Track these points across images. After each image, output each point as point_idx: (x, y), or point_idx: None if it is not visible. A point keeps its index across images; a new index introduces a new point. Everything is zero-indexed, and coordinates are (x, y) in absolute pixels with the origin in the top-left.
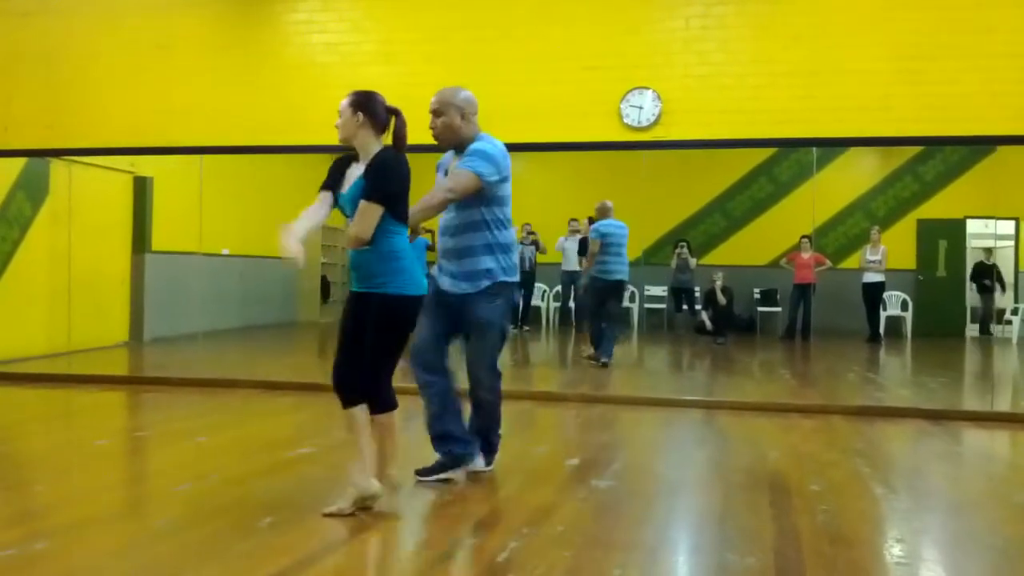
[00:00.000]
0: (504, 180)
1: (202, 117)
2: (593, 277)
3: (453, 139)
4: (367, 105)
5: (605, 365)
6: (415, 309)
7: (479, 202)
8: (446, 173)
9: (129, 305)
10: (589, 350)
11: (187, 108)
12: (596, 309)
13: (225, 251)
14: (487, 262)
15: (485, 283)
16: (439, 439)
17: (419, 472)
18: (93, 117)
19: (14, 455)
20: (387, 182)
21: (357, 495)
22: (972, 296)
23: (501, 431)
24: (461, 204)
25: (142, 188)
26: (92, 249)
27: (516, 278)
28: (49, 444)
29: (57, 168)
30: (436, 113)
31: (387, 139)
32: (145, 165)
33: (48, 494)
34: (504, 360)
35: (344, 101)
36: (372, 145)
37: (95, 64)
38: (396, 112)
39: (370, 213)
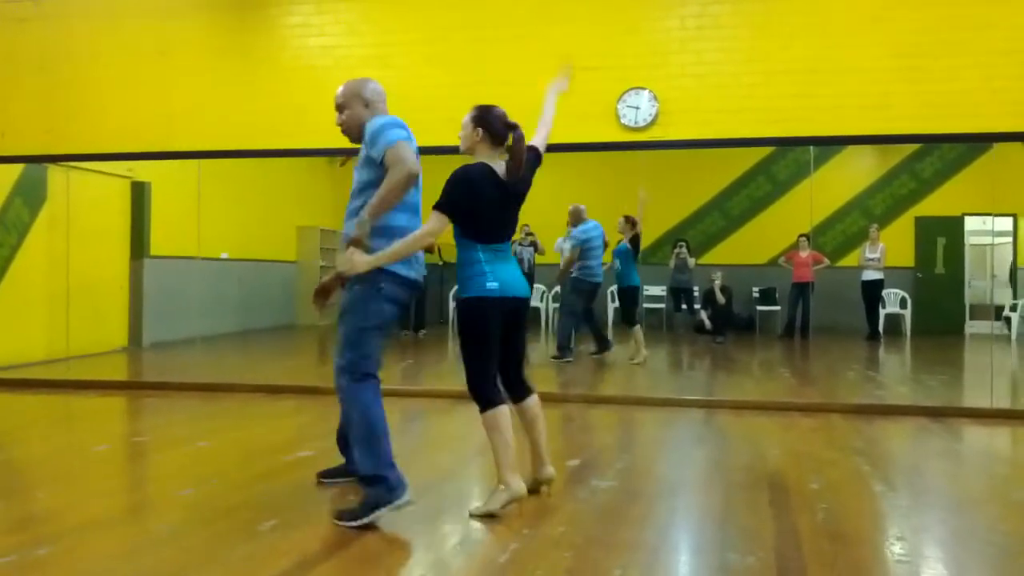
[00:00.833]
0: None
1: (200, 121)
2: (579, 279)
3: (359, 131)
4: (484, 119)
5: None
6: (478, 310)
7: (375, 184)
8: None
9: (128, 310)
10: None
11: (185, 113)
12: (586, 309)
13: (224, 255)
14: (379, 244)
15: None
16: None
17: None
18: (91, 122)
19: (14, 461)
20: (448, 194)
21: (508, 497)
22: (970, 293)
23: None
24: (361, 189)
25: (140, 193)
26: (90, 254)
27: (408, 273)
28: (49, 450)
29: (55, 173)
30: (340, 108)
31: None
32: (143, 170)
33: (49, 500)
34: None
35: (467, 115)
36: (484, 159)
37: (93, 69)
38: (514, 127)
39: (431, 219)
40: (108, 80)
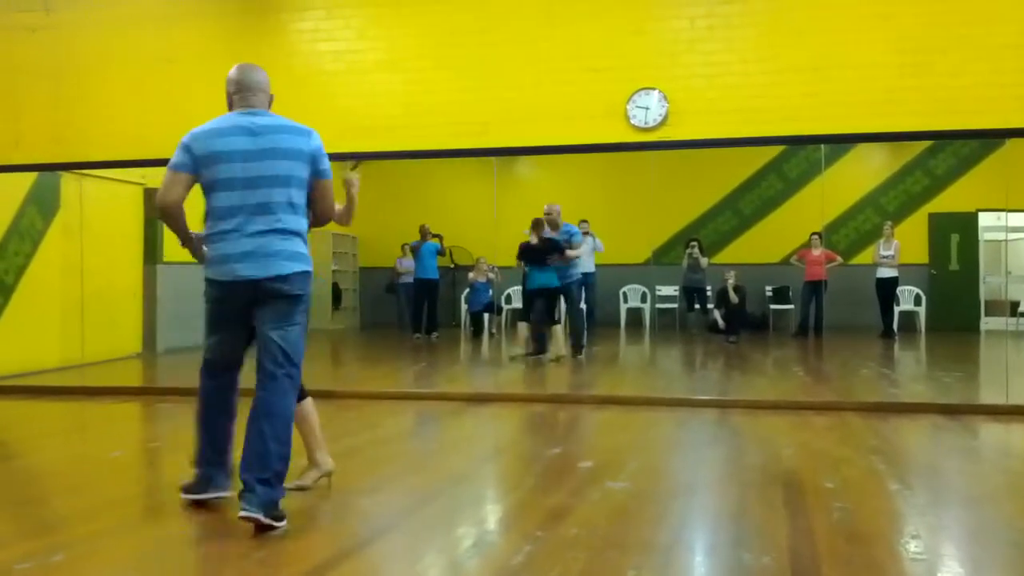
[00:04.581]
0: (195, 162)
1: None
2: None
3: None
4: None
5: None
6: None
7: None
8: None
9: (141, 316)
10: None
11: (195, 119)
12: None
13: None
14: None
15: None
16: None
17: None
18: (102, 130)
19: (29, 468)
20: None
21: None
22: (985, 289)
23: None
24: None
25: (153, 199)
26: (104, 261)
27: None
28: (64, 456)
29: (68, 181)
30: None
31: None
32: (156, 176)
33: (64, 506)
34: (514, 361)
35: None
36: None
37: (103, 77)
38: None
39: None
40: (118, 87)
